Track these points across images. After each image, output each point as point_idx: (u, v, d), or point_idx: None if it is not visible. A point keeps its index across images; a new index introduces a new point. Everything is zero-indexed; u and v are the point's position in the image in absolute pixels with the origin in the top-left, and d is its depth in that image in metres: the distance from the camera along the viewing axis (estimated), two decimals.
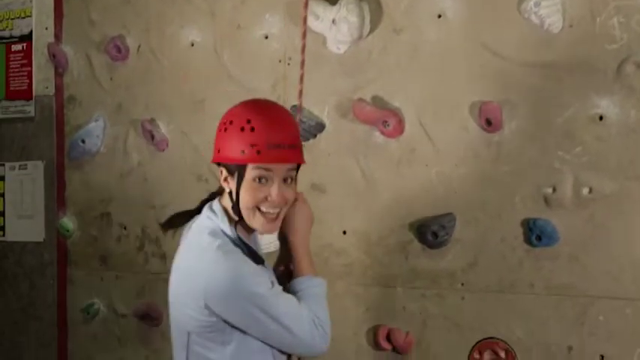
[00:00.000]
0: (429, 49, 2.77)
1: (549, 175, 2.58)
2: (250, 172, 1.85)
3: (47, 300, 3.66)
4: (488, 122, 2.64)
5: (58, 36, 3.58)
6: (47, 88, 3.64)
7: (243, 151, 1.83)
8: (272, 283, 1.87)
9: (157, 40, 3.32)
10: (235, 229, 1.92)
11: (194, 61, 3.24)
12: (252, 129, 1.83)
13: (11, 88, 3.73)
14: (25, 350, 3.74)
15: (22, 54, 3.70)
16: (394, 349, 2.84)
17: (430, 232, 2.72)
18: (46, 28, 3.62)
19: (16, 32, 3.72)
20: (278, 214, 1.90)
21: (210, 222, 1.93)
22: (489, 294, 2.69)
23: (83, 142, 3.45)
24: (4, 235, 3.79)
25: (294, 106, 2.75)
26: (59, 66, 3.55)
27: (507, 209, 2.65)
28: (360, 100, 2.85)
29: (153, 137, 3.29)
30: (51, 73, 3.62)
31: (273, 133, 1.83)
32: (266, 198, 1.86)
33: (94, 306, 3.50)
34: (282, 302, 1.86)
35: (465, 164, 2.72)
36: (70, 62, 3.55)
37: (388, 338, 2.84)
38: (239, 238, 1.91)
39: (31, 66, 3.67)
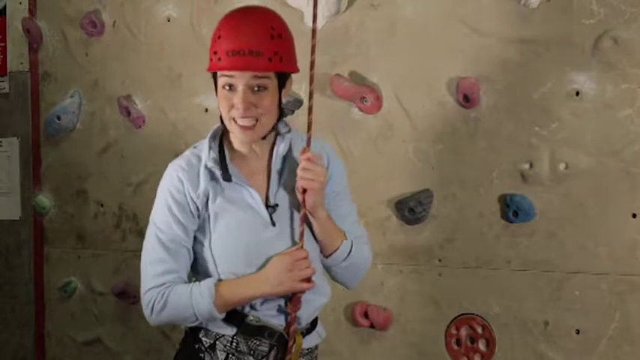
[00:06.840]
0: (406, 24, 2.76)
1: (526, 151, 2.58)
2: (220, 80, 1.84)
3: (24, 278, 3.63)
4: (466, 98, 2.63)
5: (32, 11, 3.51)
6: (22, 64, 3.58)
7: (211, 60, 1.84)
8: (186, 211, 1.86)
9: (133, 15, 3.27)
10: (220, 140, 1.93)
11: (170, 36, 3.19)
12: (219, 37, 1.82)
13: None
14: (2, 329, 3.71)
15: None
16: (372, 326, 2.85)
17: (407, 208, 2.72)
18: (20, 3, 3.55)
19: None
20: (253, 125, 1.83)
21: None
22: (466, 270, 2.70)
23: (59, 118, 3.41)
24: None
25: None
26: (34, 41, 3.50)
27: (484, 185, 2.65)
28: (338, 75, 2.83)
29: (129, 114, 3.26)
30: (25, 49, 3.56)
31: (235, 39, 1.79)
32: (233, 105, 1.82)
33: (72, 284, 3.48)
34: (149, 233, 1.90)
35: (443, 140, 2.71)
36: (45, 37, 3.49)
37: (366, 315, 2.85)
38: (220, 152, 1.90)
39: (5, 41, 3.61)
